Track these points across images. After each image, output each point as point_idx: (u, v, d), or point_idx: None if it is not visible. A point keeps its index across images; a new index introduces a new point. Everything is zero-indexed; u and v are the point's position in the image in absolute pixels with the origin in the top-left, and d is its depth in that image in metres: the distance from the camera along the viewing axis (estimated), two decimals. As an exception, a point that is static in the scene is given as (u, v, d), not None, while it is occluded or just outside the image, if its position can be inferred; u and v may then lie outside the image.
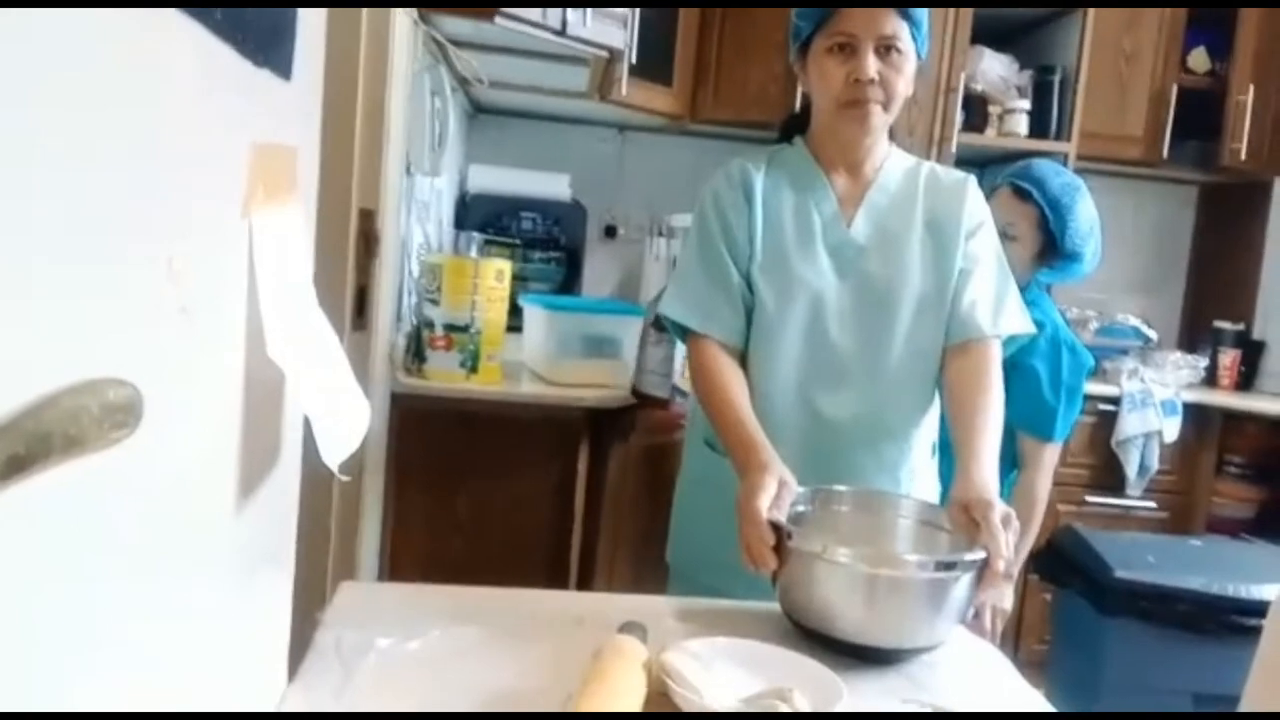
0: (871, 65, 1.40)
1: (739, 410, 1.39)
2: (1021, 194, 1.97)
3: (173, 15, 0.51)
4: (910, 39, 1.42)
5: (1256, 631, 1.34)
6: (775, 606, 1.20)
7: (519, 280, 2.47)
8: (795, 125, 1.59)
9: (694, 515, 1.60)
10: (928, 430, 1.55)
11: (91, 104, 0.45)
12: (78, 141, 0.44)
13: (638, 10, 2.49)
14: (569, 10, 1.99)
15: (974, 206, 1.52)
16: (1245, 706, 1.31)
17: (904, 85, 1.44)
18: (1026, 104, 3.19)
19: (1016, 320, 1.50)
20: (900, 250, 1.49)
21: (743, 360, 1.49)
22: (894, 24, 1.40)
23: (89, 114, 0.45)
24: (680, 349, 2.01)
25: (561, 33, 2.02)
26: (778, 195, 1.50)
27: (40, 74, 0.41)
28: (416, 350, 2.24)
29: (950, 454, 1.43)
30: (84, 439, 0.35)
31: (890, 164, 1.53)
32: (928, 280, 1.48)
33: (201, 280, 0.61)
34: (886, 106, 1.44)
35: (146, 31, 0.50)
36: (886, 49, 1.41)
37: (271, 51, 0.69)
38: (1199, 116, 3.38)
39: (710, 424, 1.44)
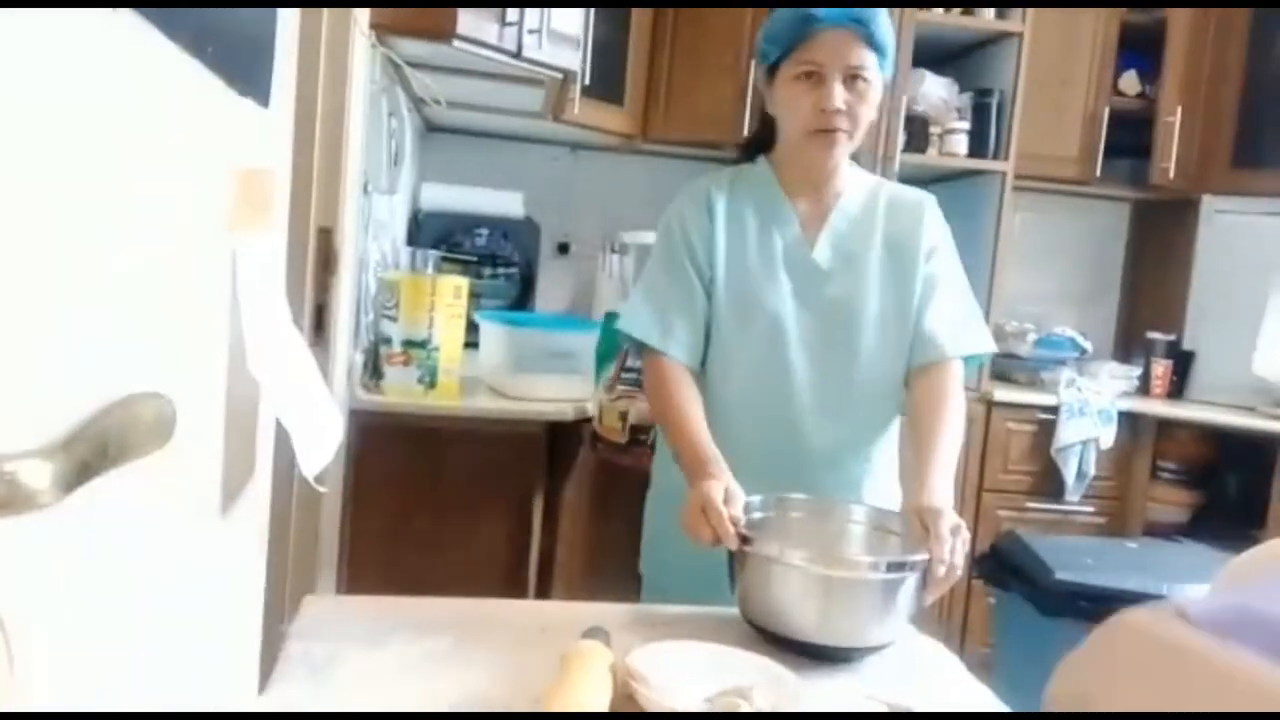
0: (839, 95, 1.40)
1: (694, 426, 1.40)
2: None
3: (173, 51, 0.55)
4: (877, 68, 1.43)
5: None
6: (734, 611, 1.24)
7: (472, 296, 2.49)
8: (759, 143, 1.59)
9: (665, 531, 1.58)
10: (890, 443, 1.57)
11: (104, 131, 0.49)
12: (94, 165, 0.48)
13: (591, 32, 2.53)
14: (524, 33, 2.03)
15: (932, 227, 1.53)
16: None
17: (870, 112, 1.44)
18: (966, 125, 3.29)
19: (978, 340, 1.53)
20: (861, 272, 1.50)
21: (698, 380, 1.50)
22: (861, 54, 1.40)
23: (101, 140, 0.49)
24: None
25: (517, 55, 2.05)
26: (740, 217, 1.51)
27: (62, 108, 0.44)
28: (374, 367, 2.25)
29: None
30: (135, 449, 0.38)
31: (852, 186, 1.54)
32: (887, 301, 1.50)
33: (190, 300, 0.65)
34: (852, 135, 1.45)
35: (150, 67, 0.53)
36: (853, 78, 1.41)
37: (253, 81, 0.72)
38: (1130, 137, 3.50)
39: (665, 438, 1.46)
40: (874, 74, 1.43)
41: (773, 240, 1.51)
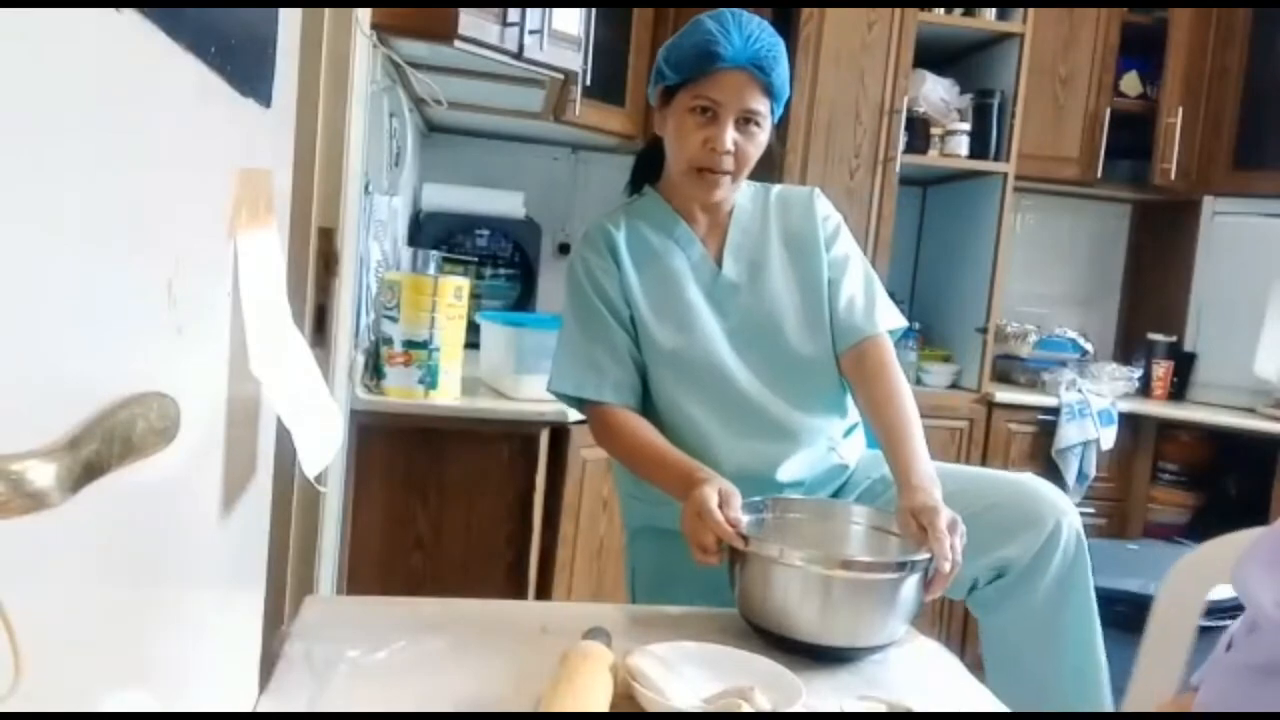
0: (729, 137, 1.42)
1: (663, 449, 1.41)
2: None
3: (175, 51, 0.55)
4: (770, 113, 1.46)
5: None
6: (734, 612, 1.24)
7: (473, 297, 2.49)
8: (643, 173, 1.61)
9: (654, 569, 1.58)
10: (850, 418, 1.58)
11: (107, 131, 0.49)
12: (98, 165, 0.48)
13: (591, 32, 2.53)
14: (525, 34, 2.03)
15: (825, 214, 1.56)
16: (1131, 692, 1.37)
17: (757, 154, 1.46)
18: (967, 126, 3.28)
19: (890, 314, 1.55)
20: (767, 277, 1.52)
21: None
22: (758, 99, 1.43)
23: (105, 141, 0.49)
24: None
25: (518, 56, 2.05)
26: (643, 248, 1.52)
27: (64, 108, 0.44)
28: (374, 367, 2.25)
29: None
30: (140, 448, 0.38)
31: (740, 198, 1.56)
32: (799, 296, 1.52)
33: (192, 300, 0.65)
34: (736, 176, 1.47)
35: (152, 67, 0.53)
36: (746, 120, 1.43)
37: (255, 82, 0.73)
38: (1131, 138, 3.50)
39: (639, 475, 1.45)
40: (766, 119, 1.46)
41: (679, 264, 1.52)
